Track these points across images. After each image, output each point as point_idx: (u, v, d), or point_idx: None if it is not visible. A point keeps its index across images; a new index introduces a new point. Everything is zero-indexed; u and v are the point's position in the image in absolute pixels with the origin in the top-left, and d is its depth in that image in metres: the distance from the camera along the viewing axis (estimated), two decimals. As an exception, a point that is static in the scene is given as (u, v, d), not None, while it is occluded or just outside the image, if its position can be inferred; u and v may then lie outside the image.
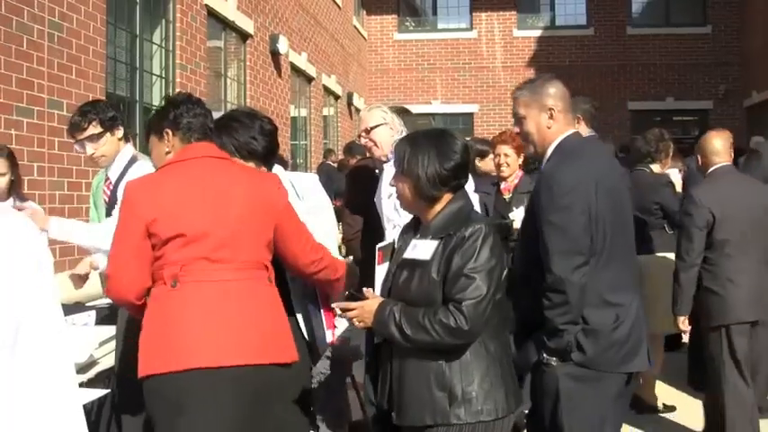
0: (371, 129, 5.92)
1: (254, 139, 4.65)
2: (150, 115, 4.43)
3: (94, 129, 5.17)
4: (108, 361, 4.62)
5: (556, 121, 4.19)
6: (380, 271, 3.93)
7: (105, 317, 5.47)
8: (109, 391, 4.19)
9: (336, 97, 24.29)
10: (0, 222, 2.98)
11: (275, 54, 17.55)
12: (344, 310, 3.81)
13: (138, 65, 11.92)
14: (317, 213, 5.02)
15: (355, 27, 27.10)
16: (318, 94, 22.00)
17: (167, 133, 4.11)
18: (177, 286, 3.81)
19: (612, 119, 25.86)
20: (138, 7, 11.90)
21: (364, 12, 28.80)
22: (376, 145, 5.94)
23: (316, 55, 21.53)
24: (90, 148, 5.24)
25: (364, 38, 28.52)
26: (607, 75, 27.31)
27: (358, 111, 26.34)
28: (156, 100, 12.21)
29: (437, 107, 28.13)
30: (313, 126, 21.51)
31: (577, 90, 7.41)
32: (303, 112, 21.10)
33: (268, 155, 4.74)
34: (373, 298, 3.78)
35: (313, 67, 21.16)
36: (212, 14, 14.36)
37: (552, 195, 3.99)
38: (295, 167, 19.05)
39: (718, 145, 6.28)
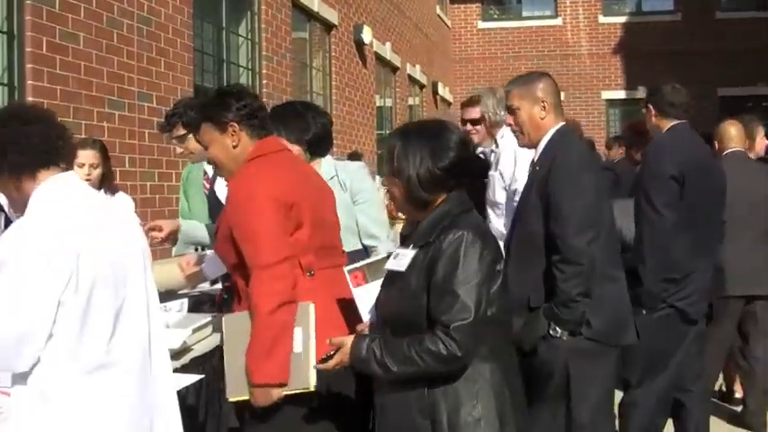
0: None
1: (304, 128, 4.75)
2: (200, 106, 4.34)
3: (178, 131, 5.29)
4: (201, 347, 4.68)
5: (548, 113, 4.43)
6: (359, 294, 3.60)
7: (196, 304, 5.56)
8: (203, 376, 4.25)
9: (421, 87, 24.28)
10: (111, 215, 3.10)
11: (360, 44, 17.63)
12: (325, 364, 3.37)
13: (224, 57, 12.10)
14: (362, 201, 5.09)
15: (439, 16, 27.04)
16: (403, 84, 22.01)
17: (233, 126, 3.97)
18: (314, 275, 3.87)
19: (702, 106, 25.42)
20: (223, 0, 12.06)
21: (447, 0, 28.70)
22: (477, 132, 6.19)
23: (400, 44, 21.54)
24: (178, 148, 5.38)
25: (448, 27, 28.44)
26: (695, 61, 26.74)
27: (443, 100, 26.31)
28: (243, 91, 12.33)
29: (522, 96, 27.88)
30: (398, 116, 21.53)
31: (665, 77, 7.32)
32: (388, 102, 21.15)
33: (314, 144, 4.83)
34: (346, 341, 3.31)
35: (397, 56, 21.17)
36: (297, 6, 14.47)
37: (567, 174, 4.21)
38: (381, 159, 19.11)
39: (733, 132, 6.76)
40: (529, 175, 4.57)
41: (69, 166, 3.13)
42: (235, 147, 3.98)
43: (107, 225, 3.03)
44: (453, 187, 3.31)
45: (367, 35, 17.61)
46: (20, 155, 3.00)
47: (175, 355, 4.47)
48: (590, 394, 4.19)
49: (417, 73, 23.44)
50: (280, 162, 4.00)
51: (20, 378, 2.95)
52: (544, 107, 4.41)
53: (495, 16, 29.36)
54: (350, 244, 4.67)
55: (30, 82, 7.67)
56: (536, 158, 4.48)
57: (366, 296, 3.56)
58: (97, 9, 8.57)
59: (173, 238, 5.29)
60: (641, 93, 22.48)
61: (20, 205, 3.09)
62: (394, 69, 21.26)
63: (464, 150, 3.33)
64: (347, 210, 4.86)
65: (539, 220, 4.23)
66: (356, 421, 3.84)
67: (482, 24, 28.98)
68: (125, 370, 2.99)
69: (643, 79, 24.51)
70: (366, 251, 5.06)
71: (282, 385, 3.67)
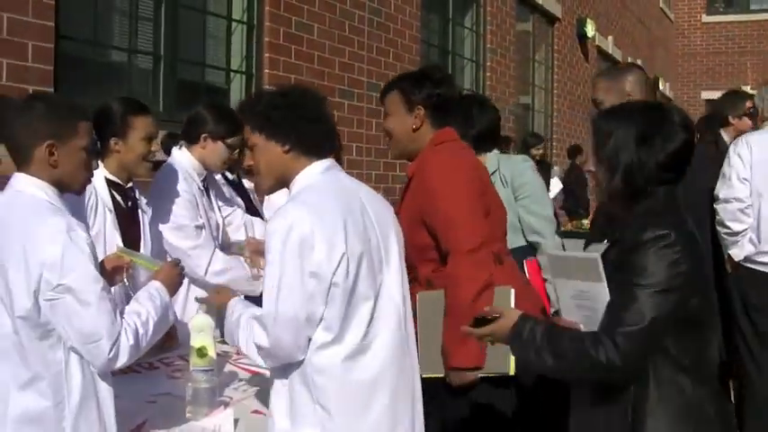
0: None
1: (469, 124, 4.74)
2: (399, 76, 4.27)
3: None
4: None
5: None
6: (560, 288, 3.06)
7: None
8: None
9: (641, 82, 23.71)
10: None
11: (582, 38, 17.40)
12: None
13: (449, 48, 12.19)
14: (524, 196, 5.05)
15: (662, 9, 26.37)
16: (624, 79, 21.57)
17: (419, 109, 3.96)
18: (503, 263, 3.89)
19: None
20: (450, -7, 12.16)
21: (672, -6, 27.96)
22: None
23: (622, 38, 21.13)
24: None
25: (671, 20, 27.67)
26: None
27: (663, 96, 25.63)
28: (468, 83, 12.43)
29: (747, 93, 26.79)
30: (617, 111, 21.13)
31: None
32: (608, 97, 20.76)
33: (479, 139, 4.81)
34: (509, 314, 2.93)
35: (619, 51, 20.78)
36: (521, -1, 14.42)
37: None
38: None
39: None
40: None
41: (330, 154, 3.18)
42: (415, 129, 3.99)
43: (368, 210, 3.05)
44: (667, 182, 2.84)
45: (590, 29, 17.37)
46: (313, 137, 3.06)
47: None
48: None
49: (639, 68, 22.91)
50: (462, 150, 4.05)
51: (281, 360, 2.98)
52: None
53: (721, 10, 28.27)
54: (511, 241, 4.51)
55: (267, 71, 7.95)
56: None
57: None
58: (330, 0, 8.77)
59: None
60: None
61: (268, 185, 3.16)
62: (615, 64, 20.84)
63: (687, 135, 2.83)
64: (508, 206, 4.80)
65: None
66: (549, 410, 3.80)
67: (707, 18, 27.97)
68: (382, 355, 2.98)
69: None
70: (532, 248, 5.05)
71: (478, 368, 3.69)
